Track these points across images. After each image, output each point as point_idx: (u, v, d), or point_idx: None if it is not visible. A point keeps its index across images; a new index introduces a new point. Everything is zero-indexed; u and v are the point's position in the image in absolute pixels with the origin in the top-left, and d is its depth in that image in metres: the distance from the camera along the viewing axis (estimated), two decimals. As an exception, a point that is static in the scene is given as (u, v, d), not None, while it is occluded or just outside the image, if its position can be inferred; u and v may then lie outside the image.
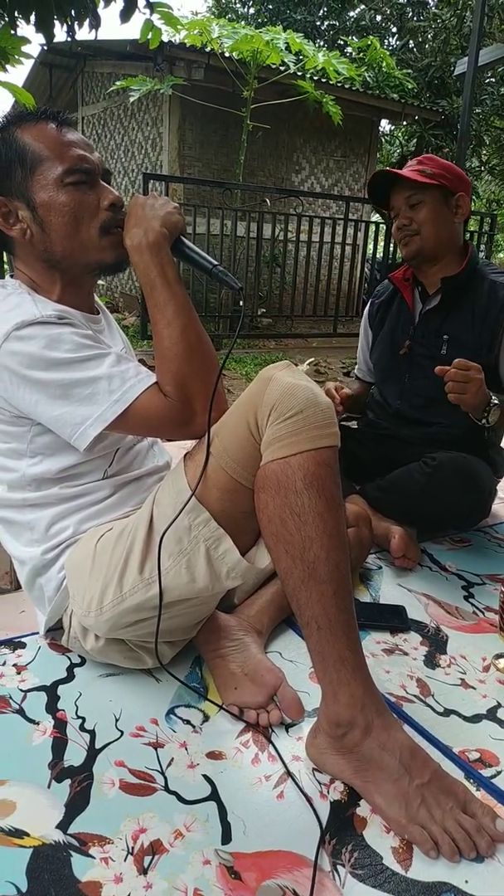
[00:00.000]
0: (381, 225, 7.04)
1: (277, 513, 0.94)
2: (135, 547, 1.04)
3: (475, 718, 1.12)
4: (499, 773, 1.00)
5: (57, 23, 3.03)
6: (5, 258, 2.21)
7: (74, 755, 0.99)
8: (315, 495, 0.92)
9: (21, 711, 1.07)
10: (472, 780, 0.98)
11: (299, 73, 6.77)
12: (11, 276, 1.15)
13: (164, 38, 3.97)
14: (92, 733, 1.03)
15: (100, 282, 1.26)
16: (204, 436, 1.04)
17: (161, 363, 1.05)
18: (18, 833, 0.85)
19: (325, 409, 0.95)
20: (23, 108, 1.25)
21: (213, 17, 10.52)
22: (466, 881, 0.82)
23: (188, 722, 1.07)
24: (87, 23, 3.12)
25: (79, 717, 1.07)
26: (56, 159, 1.04)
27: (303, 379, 0.98)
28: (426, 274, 1.79)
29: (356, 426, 2.02)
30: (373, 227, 6.97)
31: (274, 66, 6.70)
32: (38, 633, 1.25)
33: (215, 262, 1.09)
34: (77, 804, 0.90)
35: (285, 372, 0.99)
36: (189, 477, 1.02)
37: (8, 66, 3.09)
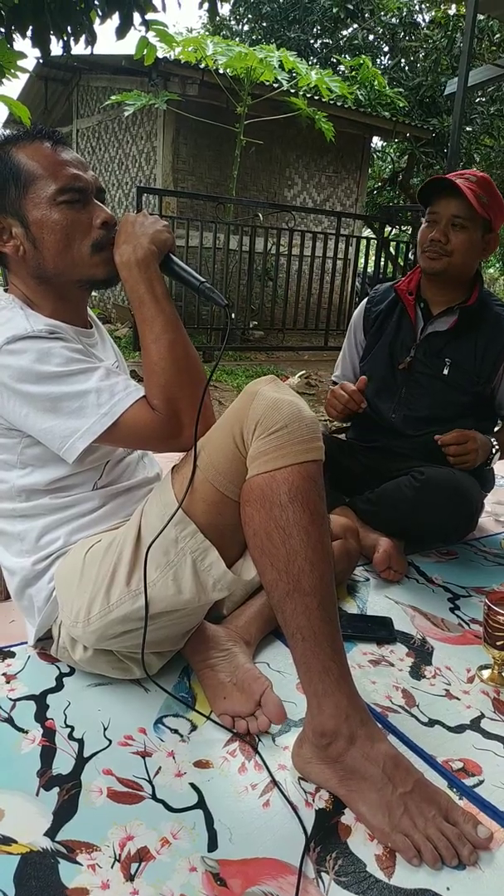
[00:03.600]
0: (372, 240, 7.12)
1: (262, 526, 0.95)
2: (122, 559, 1.05)
3: (459, 729, 1.14)
4: (481, 782, 1.02)
5: (53, 38, 3.07)
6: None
7: (63, 763, 1.00)
8: (299, 509, 0.94)
9: (10, 720, 1.08)
10: (455, 790, 1.00)
11: (292, 91, 6.85)
12: (5, 290, 1.17)
13: (159, 55, 4.01)
14: (80, 742, 1.04)
15: (92, 293, 1.28)
16: (191, 449, 1.06)
17: (149, 377, 1.07)
18: (6, 840, 0.86)
19: (310, 424, 0.97)
20: (18, 128, 1.27)
21: (207, 34, 10.63)
22: (448, 888, 0.84)
23: (176, 731, 1.08)
24: (82, 38, 3.16)
25: (67, 726, 1.07)
26: (50, 178, 1.07)
27: (288, 393, 1.00)
28: (436, 293, 1.79)
29: (344, 438, 2.04)
30: (364, 242, 7.05)
31: (267, 83, 6.79)
32: (27, 642, 1.26)
33: (202, 280, 1.11)
34: (65, 812, 0.91)
35: (270, 386, 1.00)
36: (176, 490, 1.04)
37: (4, 80, 3.12)
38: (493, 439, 1.69)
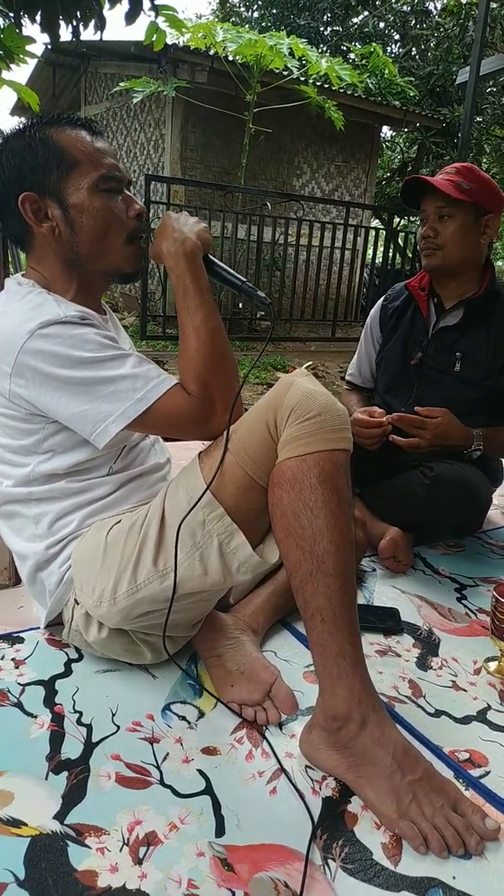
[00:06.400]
0: (380, 230, 7.08)
1: (291, 507, 0.97)
2: (148, 539, 1.06)
3: (465, 720, 1.14)
4: (487, 773, 1.02)
5: (62, 23, 3.05)
6: (9, 256, 2.21)
7: (71, 748, 1.00)
8: (329, 492, 0.96)
9: (19, 705, 1.09)
10: (461, 780, 1.00)
11: (302, 79, 6.80)
12: (23, 275, 1.16)
13: (169, 41, 3.98)
14: (89, 727, 1.05)
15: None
16: (220, 437, 1.07)
17: (187, 363, 1.09)
18: (16, 823, 0.87)
19: (342, 415, 1.01)
20: (39, 114, 1.28)
21: (217, 20, 10.56)
22: (454, 877, 0.84)
23: (184, 718, 1.09)
24: (92, 24, 3.14)
25: (76, 712, 1.08)
26: (92, 164, 1.09)
27: (320, 386, 1.04)
28: (445, 287, 1.77)
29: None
30: (372, 233, 7.01)
31: (277, 71, 6.74)
32: (36, 628, 1.27)
33: (244, 279, 1.15)
34: (74, 796, 0.92)
35: (305, 379, 1.04)
36: (205, 473, 1.05)
37: (12, 65, 3.10)
38: (477, 430, 1.66)
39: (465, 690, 1.22)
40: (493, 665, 1.29)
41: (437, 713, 1.15)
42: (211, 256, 1.16)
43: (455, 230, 1.65)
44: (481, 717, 1.15)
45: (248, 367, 2.80)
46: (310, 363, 5.60)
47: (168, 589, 1.04)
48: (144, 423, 1.06)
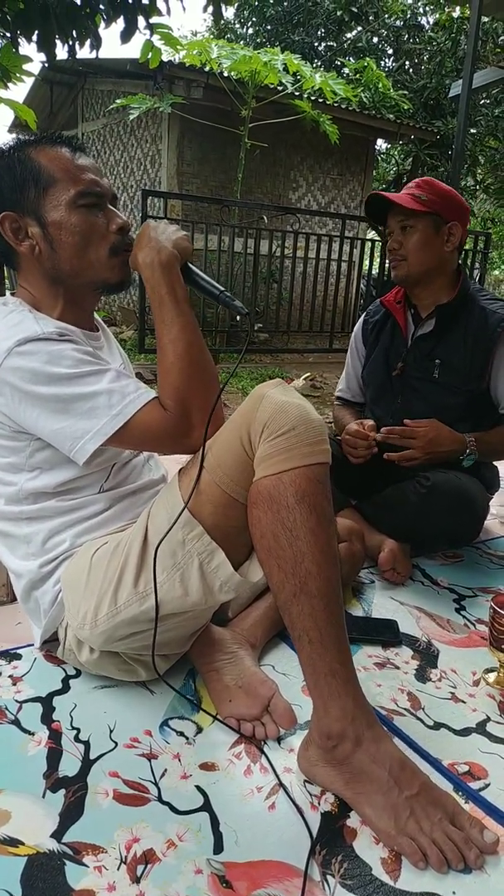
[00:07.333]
0: (376, 242, 7.11)
1: (270, 528, 0.95)
2: (129, 561, 1.05)
3: (465, 732, 1.14)
4: (487, 785, 1.02)
5: (58, 42, 3.08)
6: (6, 274, 2.23)
7: (69, 766, 1.00)
8: (307, 511, 0.94)
9: (16, 722, 1.08)
10: (460, 793, 0.99)
11: (297, 94, 6.86)
12: (12, 294, 1.17)
13: (164, 58, 4.03)
14: (86, 744, 1.04)
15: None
16: (198, 453, 1.06)
17: (164, 376, 1.08)
18: (13, 842, 0.86)
19: (317, 427, 0.97)
20: (27, 132, 1.29)
21: (212, 37, 10.65)
22: (454, 892, 0.83)
23: (181, 734, 1.08)
24: (88, 42, 3.17)
25: (73, 728, 1.08)
26: (70, 181, 1.09)
27: (295, 397, 1.00)
28: (418, 297, 1.81)
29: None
30: (368, 245, 7.04)
31: (272, 86, 6.80)
32: (33, 644, 1.27)
33: (222, 289, 1.13)
34: (71, 814, 0.91)
35: (277, 390, 1.01)
36: (183, 491, 1.04)
37: (9, 84, 3.13)
38: (469, 436, 1.67)
39: (464, 702, 1.22)
40: (492, 676, 1.28)
41: (437, 725, 1.15)
42: (190, 265, 1.14)
43: (417, 240, 1.69)
44: (481, 728, 1.15)
45: (239, 380, 2.80)
46: (308, 374, 5.62)
47: (148, 610, 1.03)
48: (122, 439, 1.05)
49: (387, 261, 7.11)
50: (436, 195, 1.68)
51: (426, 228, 1.69)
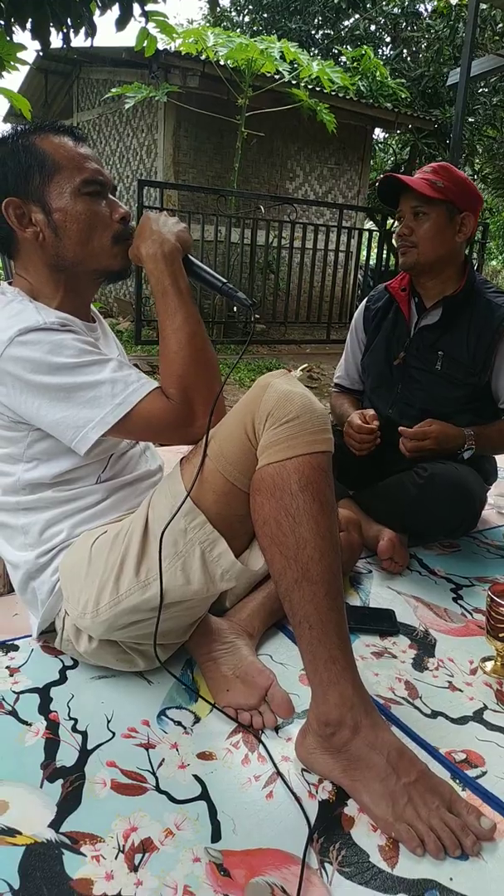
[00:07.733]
0: (374, 232, 7.09)
1: (272, 514, 0.96)
2: (130, 549, 1.05)
3: (462, 720, 1.14)
4: (484, 773, 1.02)
5: (53, 30, 3.05)
6: (1, 263, 2.22)
7: (66, 756, 1.00)
8: (310, 498, 0.94)
9: (14, 713, 1.09)
10: (458, 781, 1.00)
11: (293, 82, 6.81)
12: (9, 283, 1.16)
13: (160, 46, 3.99)
14: (84, 734, 1.05)
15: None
16: (201, 442, 1.06)
17: (166, 366, 1.08)
18: (11, 832, 0.87)
19: (321, 416, 0.98)
20: (23, 122, 1.28)
21: (208, 25, 10.55)
22: (451, 878, 0.84)
23: (179, 723, 1.08)
24: (82, 30, 3.14)
25: (71, 719, 1.08)
26: (75, 169, 1.10)
27: (298, 387, 1.01)
28: (424, 286, 1.78)
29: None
30: (366, 235, 7.02)
31: (268, 75, 6.76)
32: (30, 635, 1.26)
33: (224, 280, 1.13)
34: (69, 804, 0.91)
35: (282, 379, 1.01)
36: (185, 480, 1.04)
37: (4, 73, 3.11)
38: (468, 430, 1.67)
39: (461, 691, 1.22)
40: (489, 665, 1.29)
41: (434, 714, 1.15)
42: (191, 257, 1.15)
43: (429, 228, 1.66)
44: (478, 717, 1.15)
45: (236, 371, 2.80)
46: (305, 365, 5.61)
47: (150, 599, 1.03)
48: (125, 429, 1.05)
49: (387, 249, 7.07)
50: (452, 182, 1.64)
51: (439, 216, 1.65)
